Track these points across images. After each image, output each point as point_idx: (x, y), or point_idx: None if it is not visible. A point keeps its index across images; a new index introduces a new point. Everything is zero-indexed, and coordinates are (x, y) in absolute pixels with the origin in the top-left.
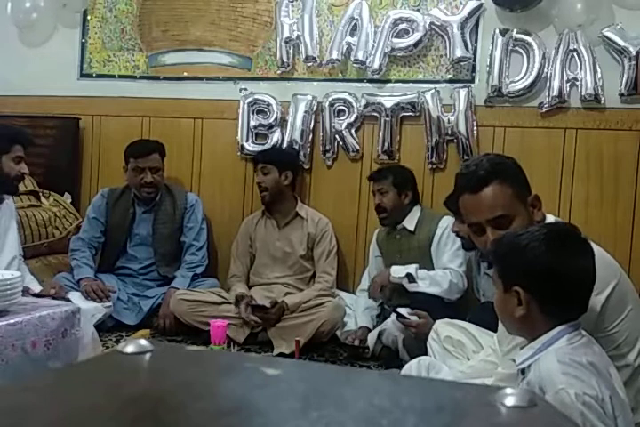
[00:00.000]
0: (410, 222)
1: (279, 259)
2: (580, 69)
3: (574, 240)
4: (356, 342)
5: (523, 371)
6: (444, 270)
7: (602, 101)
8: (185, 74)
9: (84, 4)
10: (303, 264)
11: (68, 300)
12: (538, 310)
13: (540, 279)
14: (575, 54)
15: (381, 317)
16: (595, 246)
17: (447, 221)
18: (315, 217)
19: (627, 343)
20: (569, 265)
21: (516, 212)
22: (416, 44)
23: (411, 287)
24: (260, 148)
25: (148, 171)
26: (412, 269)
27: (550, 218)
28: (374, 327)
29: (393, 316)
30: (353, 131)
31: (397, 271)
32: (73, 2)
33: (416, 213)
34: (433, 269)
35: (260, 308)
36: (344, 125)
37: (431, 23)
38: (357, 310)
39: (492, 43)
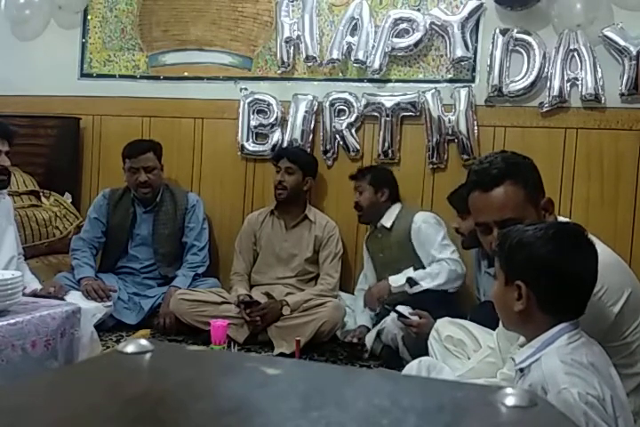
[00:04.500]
0: (387, 220)
1: (284, 260)
2: (581, 69)
3: (581, 241)
4: (355, 340)
5: (521, 369)
6: (439, 262)
7: (602, 101)
8: (185, 74)
9: (81, 4)
10: (306, 267)
11: (63, 300)
12: (536, 307)
13: (545, 276)
14: (575, 54)
15: (380, 315)
16: (609, 250)
17: (421, 217)
18: (322, 220)
19: (637, 352)
20: (575, 265)
21: (525, 215)
22: (416, 44)
23: (414, 290)
24: (261, 147)
25: (142, 170)
26: (410, 272)
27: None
28: (373, 326)
29: (392, 314)
30: (353, 131)
31: (396, 280)
32: (69, 4)
33: (395, 210)
34: (414, 264)
35: (256, 304)
36: (344, 125)
37: (431, 23)
38: (356, 309)
39: (493, 42)
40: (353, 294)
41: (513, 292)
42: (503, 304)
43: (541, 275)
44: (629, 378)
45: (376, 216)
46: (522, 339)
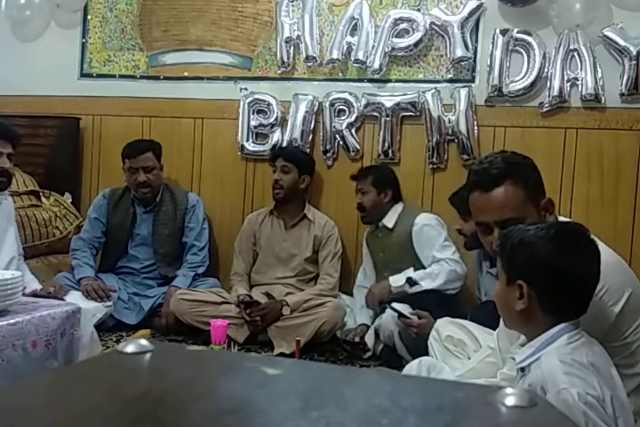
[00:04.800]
0: (389, 220)
1: (283, 260)
2: (581, 69)
3: (583, 241)
4: (357, 339)
5: (522, 369)
6: (439, 262)
7: (602, 101)
8: (185, 74)
9: (80, 2)
10: (306, 267)
11: (62, 300)
12: (538, 306)
13: (546, 276)
14: (575, 54)
15: (379, 313)
16: (610, 250)
17: (423, 218)
18: (322, 220)
19: (637, 353)
20: (577, 265)
21: (526, 215)
22: (416, 44)
23: (413, 290)
24: (261, 147)
25: (142, 170)
26: (410, 272)
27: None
28: (373, 324)
29: (388, 311)
30: (353, 131)
31: (397, 280)
32: (67, 2)
33: (397, 210)
34: (414, 265)
35: (256, 304)
36: (344, 125)
37: (431, 23)
38: (355, 307)
39: (493, 42)
40: (351, 294)
41: (514, 291)
42: (505, 304)
43: (542, 274)
44: (630, 378)
45: (378, 216)
46: (522, 338)
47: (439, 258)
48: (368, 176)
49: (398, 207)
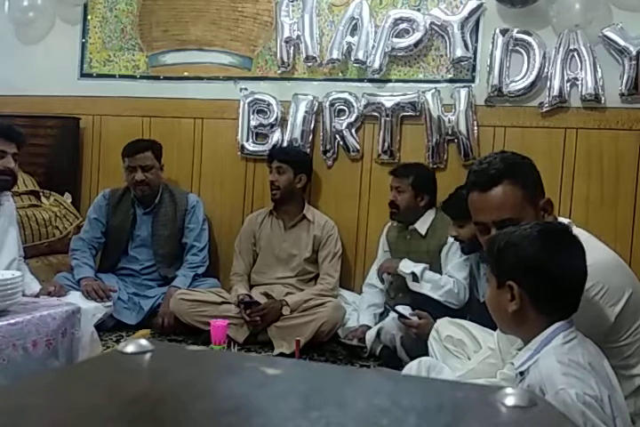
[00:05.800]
0: (422, 226)
1: (283, 260)
2: (581, 69)
3: (567, 239)
4: (355, 342)
5: (521, 373)
6: (449, 278)
7: (602, 101)
8: (185, 74)
9: None
10: (306, 267)
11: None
12: (530, 306)
13: (535, 275)
14: (575, 54)
15: (384, 315)
16: (609, 250)
17: None
18: (321, 220)
19: (636, 354)
20: (563, 262)
21: (523, 215)
22: (416, 44)
23: (412, 286)
24: (261, 147)
25: (140, 169)
26: (419, 268)
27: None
28: (376, 324)
29: (392, 314)
30: (353, 130)
31: (406, 267)
32: None
33: (430, 216)
34: (440, 273)
35: (256, 304)
36: (344, 125)
37: (431, 23)
38: (361, 306)
39: (493, 42)
40: (353, 290)
41: (506, 293)
42: (498, 307)
43: (531, 274)
44: (629, 380)
45: (410, 219)
46: (520, 341)
47: (451, 275)
48: (409, 176)
49: (431, 213)
